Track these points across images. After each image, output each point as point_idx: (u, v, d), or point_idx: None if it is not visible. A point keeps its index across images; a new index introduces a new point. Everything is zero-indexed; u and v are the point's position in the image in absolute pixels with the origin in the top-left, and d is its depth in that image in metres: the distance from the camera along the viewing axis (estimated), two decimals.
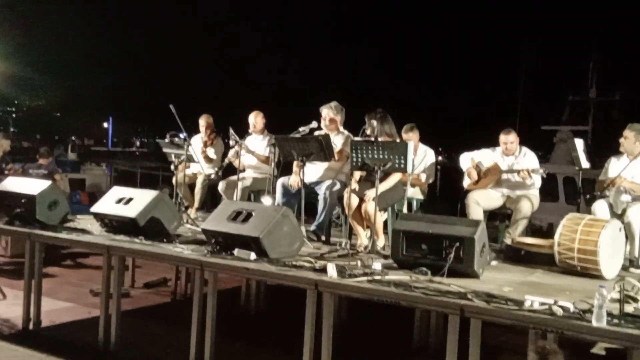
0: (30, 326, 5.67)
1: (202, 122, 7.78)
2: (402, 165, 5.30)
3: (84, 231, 5.81)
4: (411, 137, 6.53)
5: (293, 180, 6.23)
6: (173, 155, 7.17)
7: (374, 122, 5.58)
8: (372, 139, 5.52)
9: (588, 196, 5.75)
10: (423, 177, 6.65)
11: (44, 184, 6.15)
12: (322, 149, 5.85)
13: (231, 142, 6.96)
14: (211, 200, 7.55)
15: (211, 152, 7.65)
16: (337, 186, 5.99)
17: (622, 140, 5.67)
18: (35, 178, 7.61)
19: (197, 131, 7.87)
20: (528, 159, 6.16)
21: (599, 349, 5.37)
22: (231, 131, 6.90)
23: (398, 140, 5.86)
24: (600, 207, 5.55)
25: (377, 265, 4.58)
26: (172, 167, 7.29)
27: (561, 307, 3.51)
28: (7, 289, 6.75)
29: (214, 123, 7.86)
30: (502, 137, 6.21)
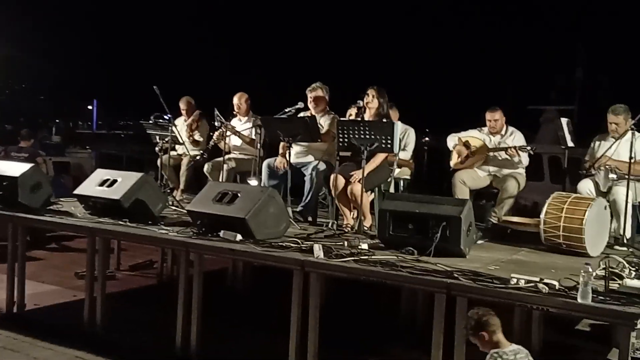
0: (15, 309, 5.62)
1: (182, 105, 7.67)
2: (389, 146, 5.28)
3: (67, 214, 5.74)
4: (390, 116, 6.48)
5: (279, 162, 6.19)
6: (157, 137, 7.10)
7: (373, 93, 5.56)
8: (359, 118, 5.50)
9: (581, 172, 5.72)
10: (403, 154, 6.61)
11: (26, 166, 6.05)
12: (308, 130, 5.81)
13: (216, 124, 6.89)
14: (196, 182, 7.49)
15: (197, 135, 7.57)
16: (324, 167, 5.96)
17: (614, 127, 5.55)
18: (17, 161, 7.50)
19: (181, 113, 7.78)
20: (515, 137, 6.16)
21: (583, 325, 5.43)
22: (216, 112, 6.83)
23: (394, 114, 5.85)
24: (585, 186, 5.58)
25: (363, 245, 4.58)
26: (157, 149, 7.22)
27: (546, 284, 3.53)
28: None
29: (199, 105, 7.76)
30: (488, 115, 6.20)
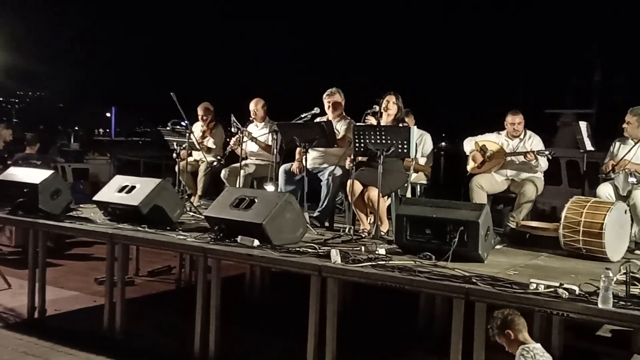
0: (36, 315, 5.69)
1: (200, 111, 7.70)
2: (405, 150, 5.27)
3: (87, 220, 5.80)
4: (407, 122, 6.48)
5: (296, 167, 6.21)
6: (175, 143, 7.14)
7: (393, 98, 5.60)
8: (375, 123, 5.50)
9: (600, 175, 5.71)
10: (421, 160, 6.61)
11: (46, 173, 6.13)
12: (324, 135, 5.82)
13: (233, 130, 6.93)
14: (214, 187, 7.53)
15: (210, 142, 7.58)
16: (340, 172, 5.96)
17: (625, 125, 5.65)
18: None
19: (198, 119, 7.82)
20: (533, 141, 6.12)
21: (604, 331, 5.37)
22: (233, 118, 6.87)
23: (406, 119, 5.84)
24: (605, 190, 5.53)
25: (381, 250, 4.57)
26: (174, 155, 7.26)
27: (566, 289, 3.49)
28: (11, 279, 6.76)
29: (216, 111, 7.80)
30: (509, 118, 6.16)
